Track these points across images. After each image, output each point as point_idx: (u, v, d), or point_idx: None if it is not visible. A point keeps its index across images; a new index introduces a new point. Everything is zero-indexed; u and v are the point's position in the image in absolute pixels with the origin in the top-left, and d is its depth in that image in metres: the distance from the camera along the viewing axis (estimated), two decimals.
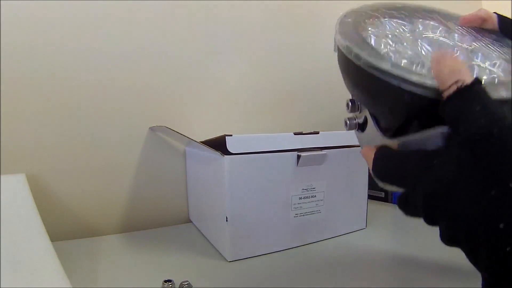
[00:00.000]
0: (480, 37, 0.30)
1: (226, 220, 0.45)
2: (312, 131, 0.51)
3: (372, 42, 0.27)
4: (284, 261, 0.46)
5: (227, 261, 0.46)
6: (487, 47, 0.28)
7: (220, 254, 0.48)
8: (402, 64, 0.23)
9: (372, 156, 0.26)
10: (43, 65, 0.52)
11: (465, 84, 0.19)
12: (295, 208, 0.49)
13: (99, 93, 0.56)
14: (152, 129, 0.60)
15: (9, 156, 0.50)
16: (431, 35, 0.28)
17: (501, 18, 0.31)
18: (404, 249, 0.50)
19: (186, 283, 0.38)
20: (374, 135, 0.28)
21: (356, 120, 0.30)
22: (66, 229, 0.54)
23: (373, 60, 0.23)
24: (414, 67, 0.24)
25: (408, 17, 0.31)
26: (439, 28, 0.31)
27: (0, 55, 0.49)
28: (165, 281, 0.38)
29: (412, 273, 0.43)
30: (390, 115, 0.26)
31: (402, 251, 0.49)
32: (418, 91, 0.22)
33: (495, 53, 0.28)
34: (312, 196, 0.50)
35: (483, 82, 0.20)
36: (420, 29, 0.30)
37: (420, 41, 0.28)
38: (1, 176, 0.45)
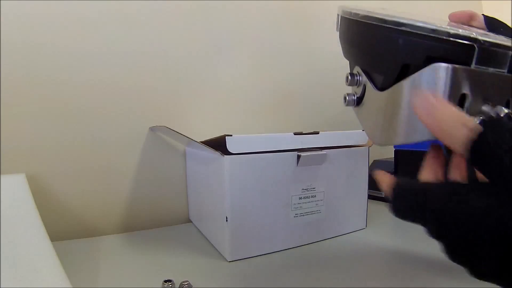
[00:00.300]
0: (474, 29, 0.31)
1: (226, 220, 0.45)
2: (312, 131, 0.51)
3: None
4: (284, 261, 0.46)
5: (227, 261, 0.45)
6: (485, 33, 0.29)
7: (220, 254, 0.48)
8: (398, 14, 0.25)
9: (389, 190, 0.24)
10: (43, 65, 0.52)
11: (477, 134, 0.19)
12: (295, 208, 0.49)
13: (99, 93, 0.56)
14: (152, 129, 0.60)
15: (9, 156, 0.50)
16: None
17: (488, 18, 0.33)
18: (404, 249, 0.50)
19: (186, 283, 0.38)
20: (371, 104, 0.29)
21: (355, 96, 0.31)
22: (66, 229, 0.54)
23: (370, 13, 0.26)
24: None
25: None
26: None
27: (0, 55, 0.49)
28: (165, 281, 0.38)
29: (412, 273, 0.43)
30: (387, 63, 0.27)
31: (402, 251, 0.49)
32: (414, 30, 0.23)
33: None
34: (312, 196, 0.50)
35: (487, 121, 0.21)
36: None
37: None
38: (1, 176, 0.45)
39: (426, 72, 0.23)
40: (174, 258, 0.47)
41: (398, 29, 0.24)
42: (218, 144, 0.44)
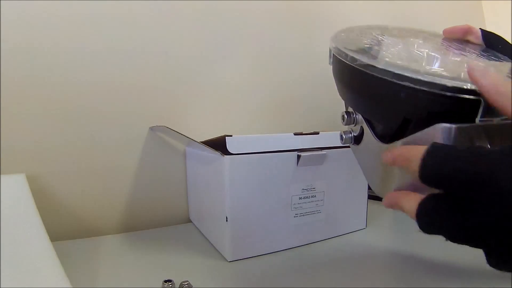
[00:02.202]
0: (468, 49, 0.30)
1: (226, 220, 0.45)
2: (312, 131, 0.51)
3: (367, 49, 0.27)
4: (284, 261, 0.46)
5: (227, 261, 0.46)
6: (478, 59, 0.29)
7: (220, 254, 0.48)
8: (398, 62, 0.24)
9: (414, 210, 0.22)
10: (43, 65, 0.52)
11: None
12: (295, 208, 0.49)
13: (99, 92, 0.56)
14: (152, 129, 0.60)
15: (9, 156, 0.50)
16: (422, 49, 0.29)
17: (485, 32, 0.32)
18: (404, 249, 0.50)
19: (186, 283, 0.38)
20: (370, 148, 0.28)
21: (352, 134, 0.30)
22: (66, 229, 0.54)
23: (368, 59, 0.24)
24: (408, 64, 0.24)
25: (399, 37, 0.32)
26: (429, 44, 0.31)
27: (0, 55, 0.49)
28: (165, 281, 0.38)
29: (412, 273, 0.43)
30: (387, 115, 0.26)
31: (402, 251, 0.49)
32: (415, 85, 0.22)
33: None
34: (312, 196, 0.50)
35: None
36: (411, 42, 0.31)
37: (413, 48, 0.28)
38: (1, 176, 0.45)
39: (429, 132, 0.22)
40: (174, 258, 0.47)
41: (401, 84, 0.22)
42: (218, 144, 0.44)
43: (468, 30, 0.32)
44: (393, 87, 0.23)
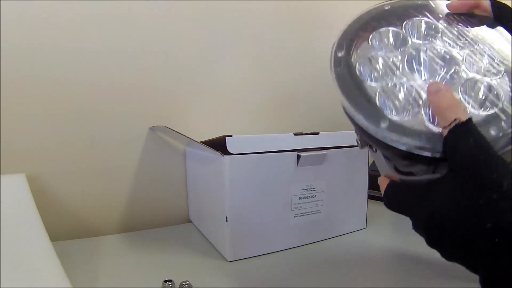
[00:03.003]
0: (468, 42, 0.30)
1: (226, 220, 0.45)
2: (312, 131, 0.51)
3: (366, 88, 0.28)
4: (284, 261, 0.46)
5: (227, 261, 0.46)
6: (472, 57, 0.29)
7: (220, 254, 0.48)
8: (397, 119, 0.26)
9: (384, 187, 0.29)
10: (43, 65, 0.52)
11: (461, 121, 0.23)
12: (295, 208, 0.49)
13: (99, 92, 0.56)
14: (152, 129, 0.60)
15: (9, 156, 0.50)
16: (422, 55, 0.30)
17: (496, 4, 0.31)
18: (404, 249, 0.50)
19: (186, 283, 0.38)
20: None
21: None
22: (66, 229, 0.54)
23: (368, 126, 0.26)
24: (406, 115, 0.26)
25: (398, 25, 0.32)
26: (427, 36, 0.31)
27: (0, 55, 0.49)
28: (165, 281, 0.38)
29: (412, 273, 0.43)
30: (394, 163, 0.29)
31: (402, 251, 0.49)
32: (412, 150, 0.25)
33: (480, 65, 0.29)
34: (312, 196, 0.50)
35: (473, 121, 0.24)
36: (409, 44, 0.30)
37: (412, 69, 0.29)
38: (1, 176, 0.45)
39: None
40: (174, 258, 0.47)
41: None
42: (218, 144, 0.44)
43: (473, 5, 0.32)
44: (394, 149, 0.26)
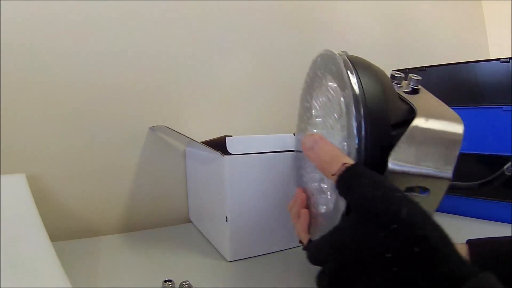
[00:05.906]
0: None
1: (226, 220, 0.45)
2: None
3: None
4: (284, 261, 0.46)
5: (227, 261, 0.46)
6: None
7: (220, 254, 0.48)
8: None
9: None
10: (43, 66, 0.52)
11: (349, 165, 0.25)
12: None
13: (99, 93, 0.56)
14: (152, 129, 0.60)
15: (9, 156, 0.50)
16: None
17: None
18: None
19: (186, 283, 0.38)
20: None
21: None
22: (66, 229, 0.54)
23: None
24: None
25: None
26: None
27: (0, 55, 0.49)
28: (165, 281, 0.38)
29: None
30: None
31: None
32: None
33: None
34: None
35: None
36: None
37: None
38: (1, 176, 0.45)
39: None
40: (174, 258, 0.47)
41: None
42: (218, 145, 0.44)
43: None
44: None
